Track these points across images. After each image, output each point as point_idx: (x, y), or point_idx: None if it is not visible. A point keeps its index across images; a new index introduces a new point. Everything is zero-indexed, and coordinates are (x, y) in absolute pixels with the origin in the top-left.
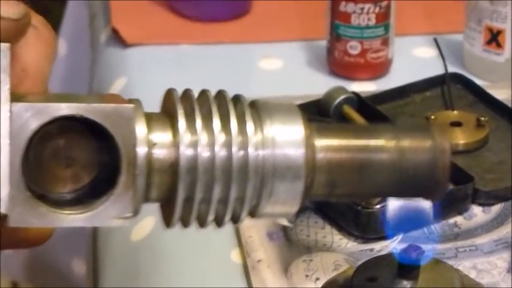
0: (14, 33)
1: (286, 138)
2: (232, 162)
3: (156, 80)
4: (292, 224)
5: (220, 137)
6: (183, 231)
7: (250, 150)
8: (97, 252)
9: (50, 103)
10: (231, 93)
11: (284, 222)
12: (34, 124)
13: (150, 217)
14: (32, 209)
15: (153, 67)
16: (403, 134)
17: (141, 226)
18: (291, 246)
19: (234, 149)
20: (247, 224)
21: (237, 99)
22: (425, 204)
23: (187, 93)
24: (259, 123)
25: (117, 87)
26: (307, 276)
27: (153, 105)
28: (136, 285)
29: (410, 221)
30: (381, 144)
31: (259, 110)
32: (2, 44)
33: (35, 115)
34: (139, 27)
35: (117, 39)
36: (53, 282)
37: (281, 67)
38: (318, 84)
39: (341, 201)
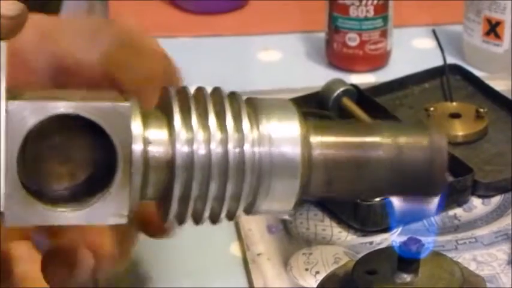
0: (10, 31)
1: (282, 136)
2: (228, 159)
3: None
4: (292, 217)
5: (216, 135)
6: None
7: (247, 148)
8: None
9: (46, 101)
10: (230, 86)
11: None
12: (30, 122)
13: None
14: (28, 207)
15: None
16: (400, 131)
17: None
18: (291, 240)
19: (230, 146)
20: (247, 217)
21: (233, 96)
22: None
23: (183, 90)
24: (255, 120)
25: None
26: (307, 269)
27: None
28: (135, 277)
29: (412, 213)
30: (378, 142)
31: (255, 107)
32: None
33: (32, 113)
34: (138, 20)
35: None
36: None
37: (280, 59)
38: (317, 76)
39: (339, 199)
